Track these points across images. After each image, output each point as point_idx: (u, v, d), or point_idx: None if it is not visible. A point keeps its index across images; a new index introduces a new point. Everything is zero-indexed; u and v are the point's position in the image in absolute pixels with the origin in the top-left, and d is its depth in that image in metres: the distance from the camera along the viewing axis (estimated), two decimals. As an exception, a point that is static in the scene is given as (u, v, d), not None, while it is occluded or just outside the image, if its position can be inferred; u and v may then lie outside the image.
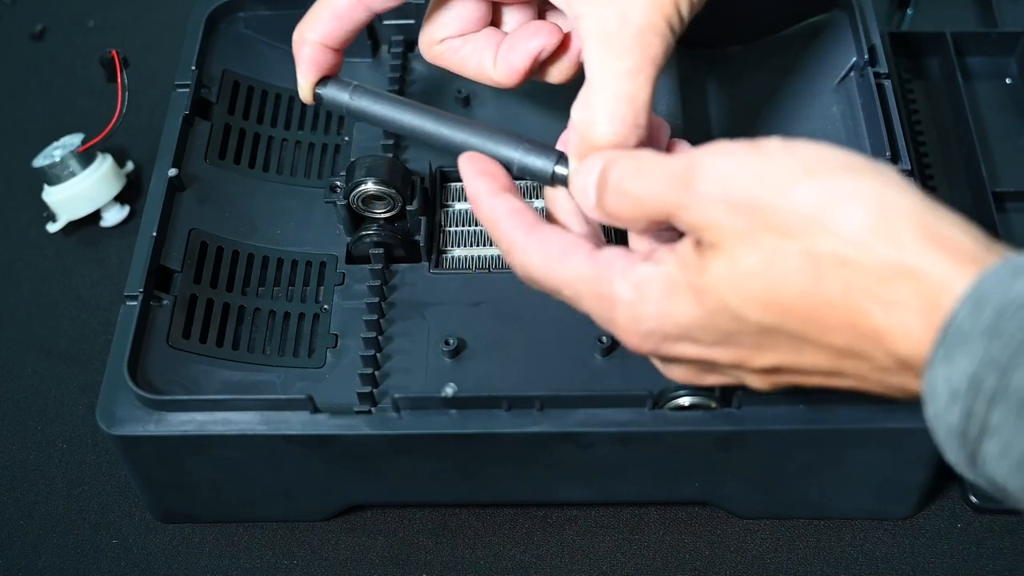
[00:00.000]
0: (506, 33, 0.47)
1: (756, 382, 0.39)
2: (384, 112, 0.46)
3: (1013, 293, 0.30)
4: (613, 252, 0.39)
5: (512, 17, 0.48)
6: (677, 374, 0.41)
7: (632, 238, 0.43)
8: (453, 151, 0.45)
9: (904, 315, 0.32)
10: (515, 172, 0.44)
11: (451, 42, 0.48)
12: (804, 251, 0.34)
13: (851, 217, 0.33)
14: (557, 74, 0.47)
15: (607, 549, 0.51)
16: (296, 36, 0.46)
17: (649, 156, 0.39)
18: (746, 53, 0.61)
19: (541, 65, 0.47)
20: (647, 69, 0.41)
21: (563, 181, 0.44)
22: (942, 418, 0.32)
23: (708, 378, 0.40)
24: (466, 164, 0.43)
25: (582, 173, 0.40)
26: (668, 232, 0.40)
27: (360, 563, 0.51)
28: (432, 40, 0.48)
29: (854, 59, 0.57)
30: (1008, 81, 0.67)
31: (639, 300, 0.37)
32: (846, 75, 0.57)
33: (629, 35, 0.41)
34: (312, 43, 0.46)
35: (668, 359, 0.40)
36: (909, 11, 0.71)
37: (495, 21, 0.48)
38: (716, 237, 0.36)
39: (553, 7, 0.45)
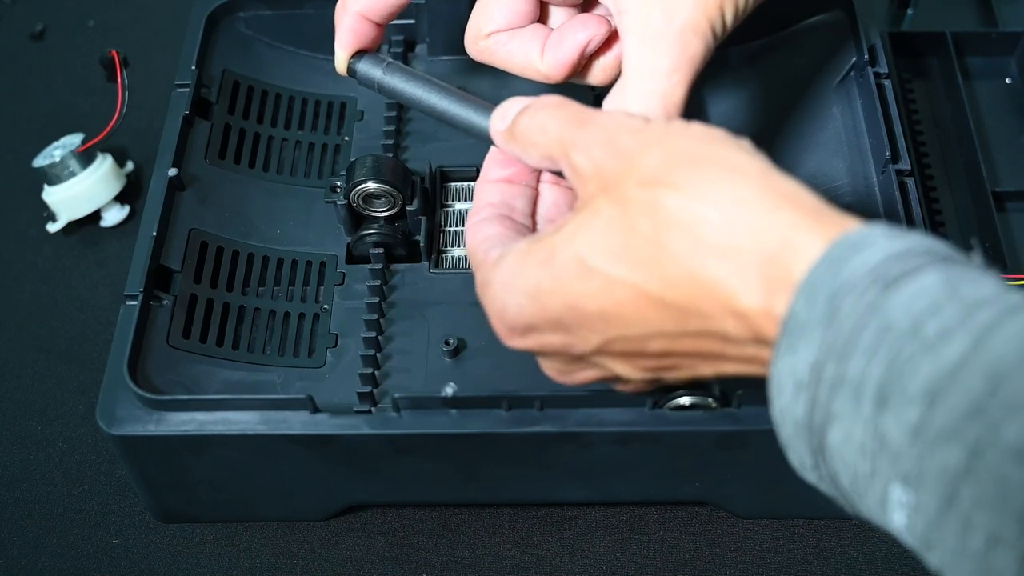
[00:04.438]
0: (552, 30, 0.47)
1: (625, 369, 0.38)
2: (415, 93, 0.46)
3: (841, 279, 0.31)
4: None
5: (559, 15, 0.47)
6: (547, 368, 0.41)
7: None
8: (476, 137, 0.45)
9: (740, 264, 0.33)
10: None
11: (498, 36, 0.47)
12: (651, 204, 0.35)
13: (696, 176, 0.34)
14: (600, 73, 0.47)
15: (607, 549, 0.51)
16: (339, 4, 0.46)
17: (573, 102, 0.40)
18: (746, 53, 0.61)
19: (585, 63, 0.46)
20: (684, 68, 0.41)
21: None
22: (788, 411, 0.32)
23: (578, 374, 0.40)
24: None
25: (517, 101, 0.41)
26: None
27: (360, 563, 0.51)
28: (478, 34, 0.47)
29: (854, 59, 0.57)
30: (1008, 81, 0.67)
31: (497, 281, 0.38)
32: (846, 75, 0.57)
33: (671, 33, 0.41)
34: (354, 14, 0.46)
35: (537, 354, 0.40)
36: (909, 11, 0.71)
37: (542, 19, 0.48)
38: (581, 191, 0.37)
39: (599, 6, 0.45)
